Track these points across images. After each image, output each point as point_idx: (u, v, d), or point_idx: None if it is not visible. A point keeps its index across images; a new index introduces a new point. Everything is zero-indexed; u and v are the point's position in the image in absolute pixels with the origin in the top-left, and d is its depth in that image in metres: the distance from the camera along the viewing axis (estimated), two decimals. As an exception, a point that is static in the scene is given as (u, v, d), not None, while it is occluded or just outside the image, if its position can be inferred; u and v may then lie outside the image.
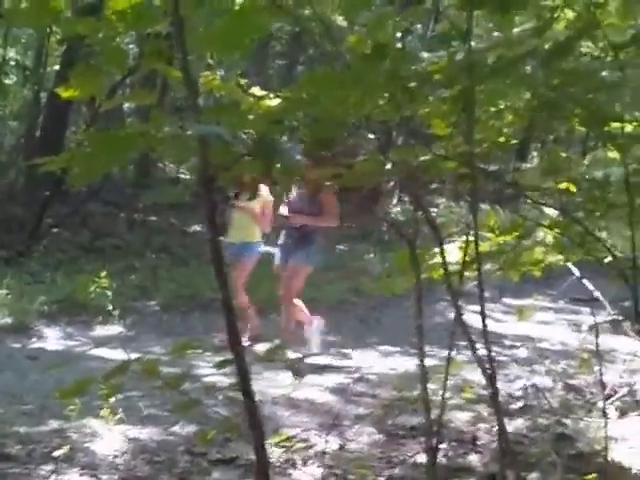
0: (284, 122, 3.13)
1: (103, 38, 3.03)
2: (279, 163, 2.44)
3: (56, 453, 4.78)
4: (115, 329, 9.63)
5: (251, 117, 2.89)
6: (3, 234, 13.67)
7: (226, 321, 2.50)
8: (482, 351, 3.34)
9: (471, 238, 3.48)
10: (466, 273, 3.58)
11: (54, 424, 5.44)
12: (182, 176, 19.22)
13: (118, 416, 5.34)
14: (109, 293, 10.07)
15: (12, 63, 19.37)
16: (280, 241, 8.97)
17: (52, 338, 9.19)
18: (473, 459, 5.00)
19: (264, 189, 9.00)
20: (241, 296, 9.03)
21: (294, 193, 8.71)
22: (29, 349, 8.66)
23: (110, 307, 9.81)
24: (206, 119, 2.47)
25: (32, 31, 17.11)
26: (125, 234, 14.75)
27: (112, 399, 4.73)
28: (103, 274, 10.33)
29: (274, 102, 3.81)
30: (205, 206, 2.59)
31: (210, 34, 2.79)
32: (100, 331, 9.56)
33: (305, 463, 4.95)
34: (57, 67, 17.65)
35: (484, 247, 3.93)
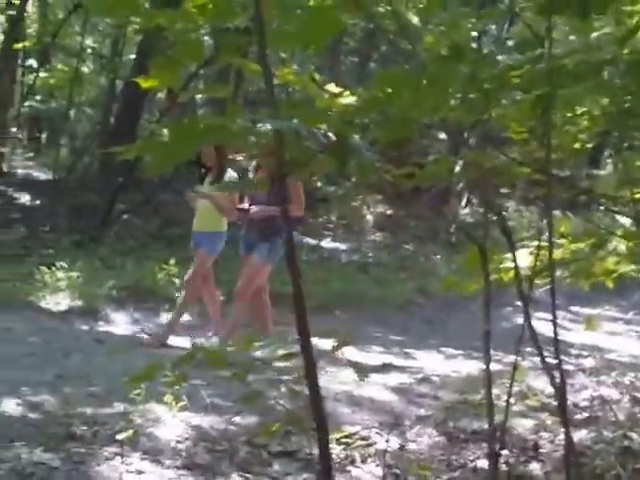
0: (357, 120, 3.14)
1: (182, 30, 3.08)
2: (354, 161, 2.45)
3: (120, 436, 4.84)
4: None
5: (326, 114, 2.91)
6: (76, 219, 13.91)
7: (296, 314, 2.52)
8: (549, 359, 3.32)
9: (543, 244, 3.46)
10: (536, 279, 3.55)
11: (119, 407, 5.51)
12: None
13: (182, 403, 5.39)
14: (177, 281, 10.20)
15: (89, 51, 19.67)
16: (242, 230, 8.43)
17: (119, 323, 9.33)
18: (534, 468, 4.96)
19: (231, 174, 8.48)
20: (193, 291, 8.68)
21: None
22: (97, 332, 8.81)
23: (177, 295, 9.93)
24: (282, 114, 2.50)
25: (109, 20, 17.36)
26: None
27: (177, 386, 4.79)
28: (172, 262, 10.48)
29: (349, 99, 3.82)
30: (279, 200, 2.61)
31: (288, 30, 2.82)
32: (166, 318, 9.67)
33: (365, 461, 4.95)
34: (133, 56, 17.87)
35: (556, 254, 3.90)
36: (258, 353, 3.47)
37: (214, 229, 8.56)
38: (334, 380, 6.46)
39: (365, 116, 2.94)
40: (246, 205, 8.16)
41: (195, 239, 8.70)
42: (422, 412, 6.11)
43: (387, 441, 5.08)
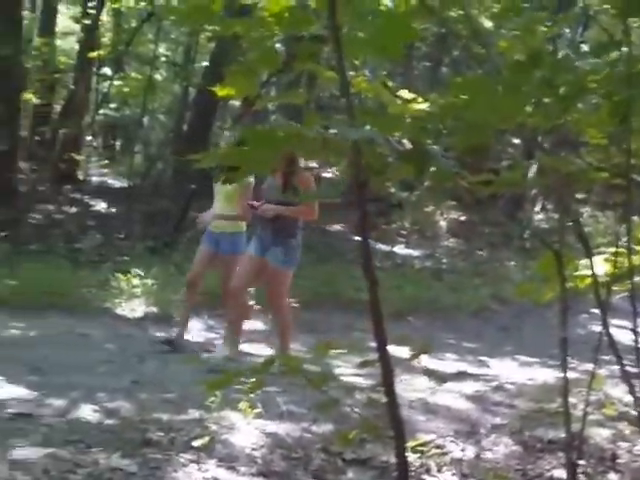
0: (432, 127, 3.11)
1: (257, 38, 3.10)
2: (432, 169, 2.43)
3: (196, 442, 4.88)
4: (255, 324, 9.77)
5: (402, 121, 2.89)
6: (150, 226, 14.07)
7: (373, 322, 2.52)
8: (627, 367, 3.27)
9: (620, 250, 3.40)
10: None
11: (195, 414, 5.55)
12: (325, 175, 19.33)
13: (257, 410, 5.41)
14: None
15: (162, 59, 19.90)
16: (257, 229, 7.87)
17: (194, 329, 9.39)
18: (612, 478, 4.88)
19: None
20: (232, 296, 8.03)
21: (267, 179, 7.83)
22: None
23: (252, 302, 9.98)
24: (358, 121, 2.49)
25: (182, 28, 17.54)
26: (268, 230, 14.94)
27: (253, 394, 4.81)
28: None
29: (422, 105, 3.80)
30: (357, 209, 2.61)
31: (364, 37, 2.82)
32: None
33: (440, 469, 4.92)
34: (206, 63, 18.03)
35: (635, 260, 3.83)
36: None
37: (235, 229, 8.24)
38: (408, 388, 6.44)
39: (441, 122, 2.92)
40: (256, 202, 7.78)
41: (212, 238, 8.35)
42: (497, 421, 6.05)
43: (463, 450, 5.05)
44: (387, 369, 2.54)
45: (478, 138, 3.04)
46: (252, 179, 8.05)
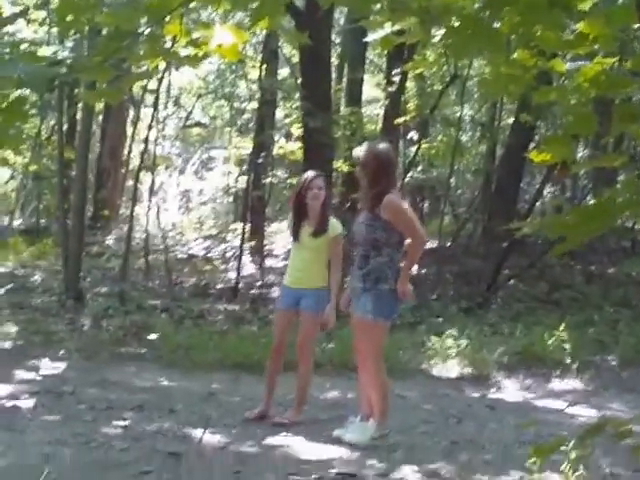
0: None
1: (573, 104, 3.14)
2: None
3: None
4: (572, 383, 9.58)
5: None
6: (463, 286, 14.17)
7: None
8: None
9: None
10: None
11: (515, 475, 5.53)
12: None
13: (579, 472, 5.31)
14: (567, 346, 10.08)
15: (467, 119, 20.11)
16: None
17: (510, 389, 9.34)
18: None
19: (335, 222, 7.12)
20: (304, 361, 7.16)
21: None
22: (488, 399, 8.87)
23: (568, 360, 9.81)
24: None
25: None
26: (582, 286, 14.62)
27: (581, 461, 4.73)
28: (561, 327, 10.38)
29: None
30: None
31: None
32: (557, 384, 9.56)
33: None
34: (511, 120, 18.01)
35: None
36: None
37: (322, 285, 7.13)
38: None
39: None
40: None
41: (292, 296, 7.26)
42: None
43: None
44: None
45: None
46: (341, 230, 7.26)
